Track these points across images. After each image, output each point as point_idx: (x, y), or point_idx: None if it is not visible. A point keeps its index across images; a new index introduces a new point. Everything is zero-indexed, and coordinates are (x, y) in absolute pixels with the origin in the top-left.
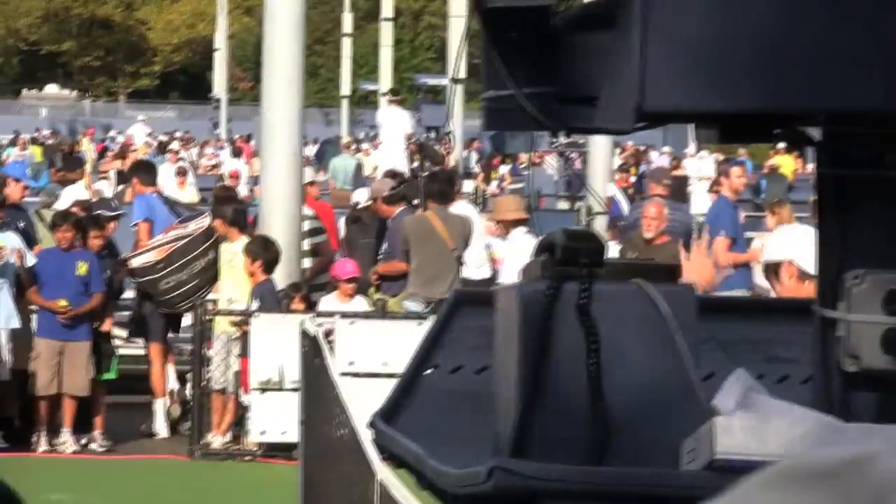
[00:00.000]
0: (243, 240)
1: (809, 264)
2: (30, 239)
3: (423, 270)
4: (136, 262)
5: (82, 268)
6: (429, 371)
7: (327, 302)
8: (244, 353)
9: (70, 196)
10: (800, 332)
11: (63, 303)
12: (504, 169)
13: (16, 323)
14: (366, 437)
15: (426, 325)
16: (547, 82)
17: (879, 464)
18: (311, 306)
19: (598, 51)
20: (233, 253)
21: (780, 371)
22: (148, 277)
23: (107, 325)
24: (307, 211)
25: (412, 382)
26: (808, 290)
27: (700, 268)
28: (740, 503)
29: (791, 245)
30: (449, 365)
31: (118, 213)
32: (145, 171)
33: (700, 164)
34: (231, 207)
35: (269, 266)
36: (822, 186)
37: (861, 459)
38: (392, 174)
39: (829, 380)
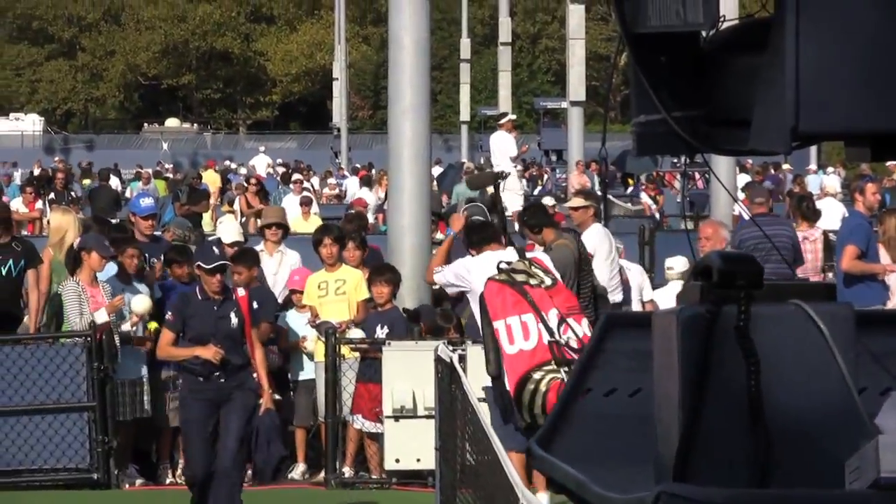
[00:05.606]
0: (345, 267)
1: None
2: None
3: None
4: None
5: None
6: (583, 395)
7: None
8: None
9: (227, 232)
10: None
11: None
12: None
13: None
14: (507, 461)
15: None
16: (697, 105)
17: None
18: (461, 334)
19: (749, 73)
20: (339, 280)
21: None
22: None
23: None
24: (440, 236)
25: (567, 407)
26: None
27: None
28: None
29: None
30: (603, 388)
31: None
32: None
33: (824, 181)
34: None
35: (396, 293)
36: None
37: None
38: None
39: None
